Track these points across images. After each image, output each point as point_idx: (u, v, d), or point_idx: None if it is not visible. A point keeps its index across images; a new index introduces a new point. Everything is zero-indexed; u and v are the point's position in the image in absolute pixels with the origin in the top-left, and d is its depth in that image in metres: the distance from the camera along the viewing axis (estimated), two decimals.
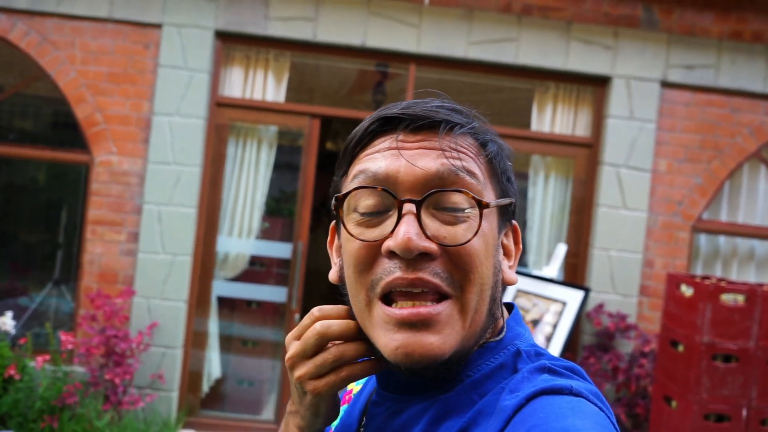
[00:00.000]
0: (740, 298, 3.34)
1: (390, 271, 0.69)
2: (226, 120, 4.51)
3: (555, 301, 3.97)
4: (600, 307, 4.31)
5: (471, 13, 4.41)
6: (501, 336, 0.76)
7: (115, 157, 4.34)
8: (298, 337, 0.76)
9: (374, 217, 0.72)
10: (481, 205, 0.71)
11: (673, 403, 3.52)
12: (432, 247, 0.69)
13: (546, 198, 4.65)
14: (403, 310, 0.69)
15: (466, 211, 0.71)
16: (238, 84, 4.55)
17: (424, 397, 0.74)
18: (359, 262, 0.72)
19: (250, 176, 4.58)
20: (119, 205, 4.34)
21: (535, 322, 3.98)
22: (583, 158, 4.58)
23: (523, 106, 4.70)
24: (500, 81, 4.65)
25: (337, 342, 0.74)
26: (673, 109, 4.45)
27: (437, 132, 0.73)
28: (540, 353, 0.74)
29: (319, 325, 0.74)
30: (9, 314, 4.15)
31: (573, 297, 3.93)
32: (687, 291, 3.52)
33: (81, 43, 4.34)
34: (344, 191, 0.75)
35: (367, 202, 0.73)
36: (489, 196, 0.74)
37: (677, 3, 4.40)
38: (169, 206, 4.30)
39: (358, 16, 4.39)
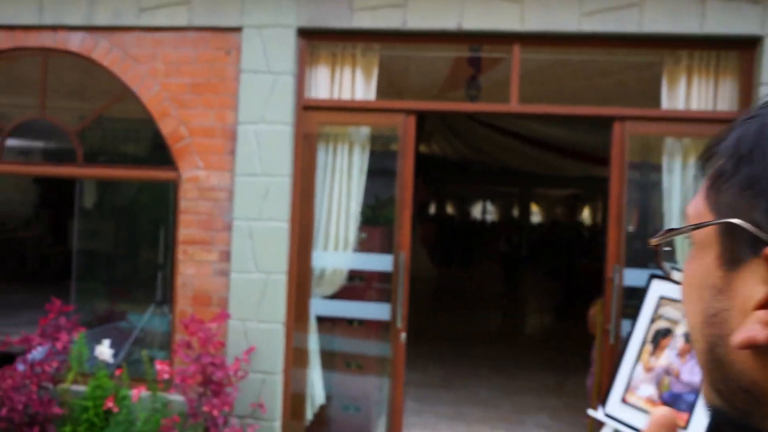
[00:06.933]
0: None
1: None
2: (314, 124, 4.17)
3: None
4: None
5: None
6: None
7: (202, 171, 4.10)
8: None
9: None
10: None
11: None
12: None
13: (685, 187, 3.97)
14: None
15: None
16: (324, 84, 4.19)
17: None
18: None
19: (343, 183, 4.20)
20: (209, 223, 4.09)
21: (687, 337, 3.33)
22: None
23: (651, 83, 4.04)
24: (622, 57, 4.02)
25: None
26: None
27: None
28: None
29: None
30: (106, 343, 3.98)
31: None
32: None
33: (163, 54, 4.14)
34: None
35: None
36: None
37: None
38: (260, 221, 4.00)
39: None
